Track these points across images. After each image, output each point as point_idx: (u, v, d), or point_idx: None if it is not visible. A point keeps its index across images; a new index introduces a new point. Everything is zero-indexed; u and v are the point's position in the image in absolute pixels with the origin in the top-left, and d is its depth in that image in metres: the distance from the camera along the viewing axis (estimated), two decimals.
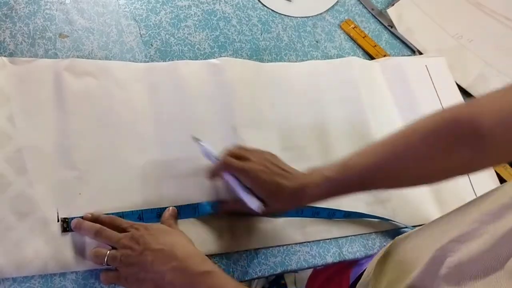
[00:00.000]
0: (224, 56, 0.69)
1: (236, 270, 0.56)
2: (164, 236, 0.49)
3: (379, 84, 0.76)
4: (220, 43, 0.70)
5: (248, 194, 0.53)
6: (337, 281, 0.67)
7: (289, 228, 0.60)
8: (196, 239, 0.52)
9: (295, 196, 0.52)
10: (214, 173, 0.56)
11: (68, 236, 0.51)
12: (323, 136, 0.68)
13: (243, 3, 0.76)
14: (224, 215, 0.57)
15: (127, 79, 0.61)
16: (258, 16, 0.76)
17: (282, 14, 0.78)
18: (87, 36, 0.63)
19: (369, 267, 0.55)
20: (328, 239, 0.61)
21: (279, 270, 0.58)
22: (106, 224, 0.50)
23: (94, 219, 0.51)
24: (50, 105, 0.56)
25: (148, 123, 0.60)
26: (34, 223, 0.50)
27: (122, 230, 0.50)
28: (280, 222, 0.60)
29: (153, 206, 0.55)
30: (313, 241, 0.60)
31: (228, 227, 0.57)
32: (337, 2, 0.83)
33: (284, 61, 0.73)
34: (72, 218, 0.51)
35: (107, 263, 0.48)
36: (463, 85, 0.81)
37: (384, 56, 0.79)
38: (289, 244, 0.59)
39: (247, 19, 0.75)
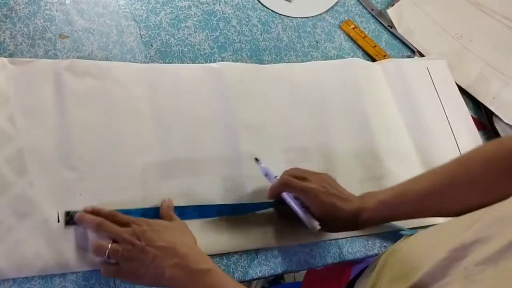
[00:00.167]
0: (224, 57, 0.69)
1: (236, 270, 0.56)
2: (166, 232, 0.49)
3: (380, 86, 0.76)
4: (220, 44, 0.70)
5: (306, 214, 0.55)
6: (337, 276, 0.68)
7: (289, 229, 0.60)
8: (196, 240, 0.52)
9: (352, 219, 0.54)
10: (274, 192, 0.57)
11: (69, 237, 0.51)
12: (325, 137, 0.68)
13: (243, 4, 0.76)
14: (224, 216, 0.58)
15: (127, 79, 0.61)
16: (258, 16, 0.76)
17: (282, 15, 0.78)
18: (87, 36, 0.63)
19: (372, 264, 0.55)
20: (328, 240, 0.61)
21: (279, 271, 0.58)
22: (108, 218, 0.50)
23: (96, 212, 0.51)
24: (51, 106, 0.56)
25: (149, 124, 0.60)
26: (35, 224, 0.50)
27: (123, 225, 0.50)
28: (281, 223, 0.60)
29: (154, 207, 0.55)
30: (313, 242, 0.60)
31: (228, 228, 0.57)
32: (337, 2, 0.83)
33: (284, 61, 0.73)
34: (75, 213, 0.51)
35: (108, 256, 0.48)
36: (463, 86, 0.81)
37: (384, 56, 0.79)
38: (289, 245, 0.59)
39: (247, 19, 0.75)
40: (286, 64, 0.72)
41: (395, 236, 0.64)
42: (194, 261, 0.46)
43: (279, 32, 0.76)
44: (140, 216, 0.53)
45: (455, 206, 0.50)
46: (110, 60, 0.63)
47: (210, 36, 0.71)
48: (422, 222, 0.64)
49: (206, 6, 0.73)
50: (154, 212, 0.54)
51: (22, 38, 0.60)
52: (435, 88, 0.78)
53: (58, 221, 0.51)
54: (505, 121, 0.79)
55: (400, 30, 0.84)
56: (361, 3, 0.85)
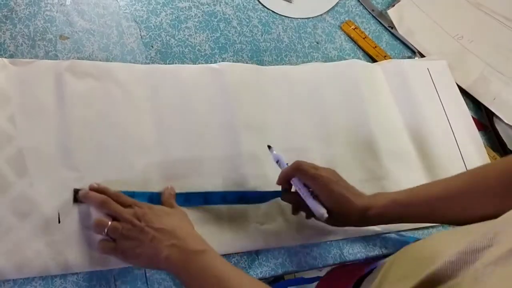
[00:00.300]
0: (225, 57, 0.69)
1: None
2: (166, 217, 0.50)
3: (381, 87, 0.76)
4: (220, 45, 0.70)
5: (315, 201, 0.54)
6: (352, 273, 0.67)
7: (290, 230, 0.60)
8: (194, 227, 0.53)
9: (360, 214, 0.54)
10: (285, 176, 0.57)
11: (69, 237, 0.51)
12: (325, 138, 0.68)
13: (243, 5, 0.76)
14: (224, 213, 0.58)
15: (127, 80, 0.61)
16: (259, 17, 0.76)
17: (283, 15, 0.78)
18: (87, 37, 0.63)
19: (382, 263, 0.55)
20: (329, 241, 0.61)
21: (280, 272, 0.58)
22: (112, 198, 0.51)
23: (101, 191, 0.52)
24: (51, 106, 0.56)
25: (149, 125, 0.60)
26: (35, 224, 0.50)
27: (126, 207, 0.50)
28: (281, 224, 0.60)
29: (160, 191, 0.56)
30: (314, 243, 0.61)
31: (229, 228, 0.57)
32: (338, 3, 0.83)
33: (285, 62, 0.73)
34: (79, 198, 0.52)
35: (107, 233, 0.48)
36: (464, 86, 0.81)
37: (385, 57, 0.79)
38: (289, 246, 0.59)
39: (247, 20, 0.75)
40: (287, 66, 0.72)
41: (395, 238, 0.64)
42: (190, 243, 0.48)
43: (279, 33, 0.76)
44: (147, 199, 0.54)
45: (467, 215, 0.50)
46: (111, 61, 0.63)
47: (211, 37, 0.71)
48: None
49: (207, 7, 0.73)
50: (159, 197, 0.55)
51: (22, 39, 0.60)
52: (436, 89, 0.78)
53: (59, 222, 0.51)
54: (505, 121, 0.79)
55: (401, 31, 0.84)
56: (361, 4, 0.85)
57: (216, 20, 0.72)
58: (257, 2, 0.77)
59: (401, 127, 0.73)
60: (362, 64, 0.76)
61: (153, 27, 0.68)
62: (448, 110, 0.77)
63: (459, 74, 0.82)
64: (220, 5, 0.74)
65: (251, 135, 0.63)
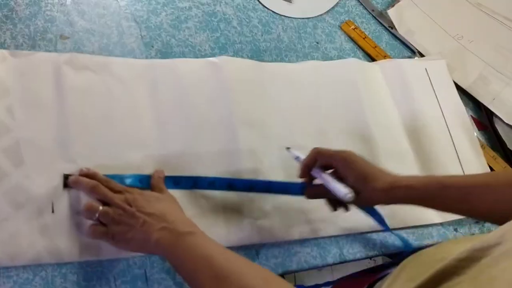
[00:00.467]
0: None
1: None
2: (157, 202, 0.51)
3: (378, 86, 0.76)
4: (220, 45, 0.70)
5: (339, 182, 0.52)
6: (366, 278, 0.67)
7: (284, 225, 0.60)
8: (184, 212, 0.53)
9: (388, 189, 0.52)
10: (306, 165, 0.56)
11: (63, 227, 0.51)
12: (322, 136, 0.68)
13: (243, 5, 0.76)
14: (220, 208, 0.58)
15: (126, 74, 0.61)
16: (259, 17, 0.76)
17: (283, 15, 0.78)
18: (87, 37, 0.63)
19: (390, 274, 0.55)
20: (328, 236, 0.61)
21: (279, 271, 0.58)
22: (102, 183, 0.51)
23: (91, 176, 0.52)
24: (50, 98, 0.56)
25: (147, 119, 0.60)
26: (30, 214, 0.50)
27: (116, 192, 0.51)
28: (276, 219, 0.60)
29: (149, 174, 0.56)
30: (313, 242, 0.61)
31: (223, 222, 0.58)
32: (337, 3, 0.83)
33: (285, 62, 0.73)
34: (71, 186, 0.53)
35: (98, 218, 0.49)
36: (464, 86, 0.81)
37: (385, 57, 0.79)
38: (289, 244, 0.60)
39: (247, 20, 0.75)
40: (285, 63, 0.73)
41: (395, 238, 0.64)
42: (180, 225, 0.48)
43: (279, 33, 0.76)
44: (137, 181, 0.55)
45: (497, 208, 0.50)
46: None
47: (211, 37, 0.71)
48: (422, 220, 0.64)
49: (207, 7, 0.73)
50: (149, 180, 0.56)
51: (23, 39, 0.60)
52: (433, 88, 0.78)
53: (53, 212, 0.51)
54: (505, 121, 0.79)
55: (401, 31, 0.84)
56: (361, 4, 0.85)
57: (216, 20, 0.73)
58: (257, 2, 0.77)
59: (399, 125, 0.73)
60: (360, 62, 0.76)
61: (153, 27, 0.68)
62: (445, 110, 0.77)
63: (459, 74, 0.82)
64: (220, 5, 0.74)
65: (249, 130, 0.63)
